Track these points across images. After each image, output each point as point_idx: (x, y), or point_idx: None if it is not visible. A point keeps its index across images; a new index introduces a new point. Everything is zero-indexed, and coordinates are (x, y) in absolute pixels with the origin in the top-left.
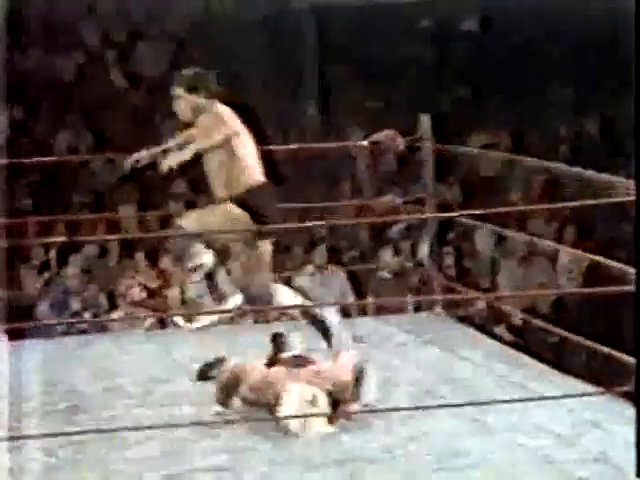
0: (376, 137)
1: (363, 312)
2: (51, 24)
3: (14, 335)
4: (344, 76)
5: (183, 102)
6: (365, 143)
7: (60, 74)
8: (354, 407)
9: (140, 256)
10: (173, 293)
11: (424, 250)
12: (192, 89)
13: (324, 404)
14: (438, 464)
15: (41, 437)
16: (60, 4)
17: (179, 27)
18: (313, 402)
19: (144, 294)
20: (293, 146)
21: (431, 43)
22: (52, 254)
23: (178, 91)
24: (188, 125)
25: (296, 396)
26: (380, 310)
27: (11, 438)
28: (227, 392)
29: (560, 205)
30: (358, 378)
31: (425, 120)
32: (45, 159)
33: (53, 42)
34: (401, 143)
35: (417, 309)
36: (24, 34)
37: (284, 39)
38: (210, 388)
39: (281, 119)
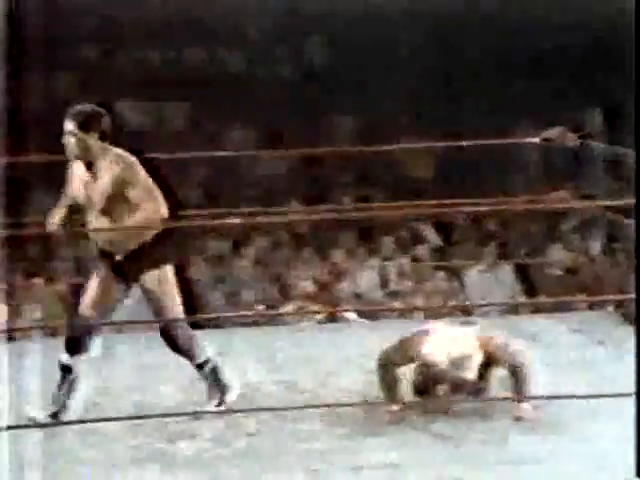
0: (547, 134)
1: (535, 310)
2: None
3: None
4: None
5: (74, 139)
6: (536, 140)
7: (229, 69)
8: (523, 407)
9: (311, 249)
10: (344, 286)
11: (596, 247)
12: (84, 127)
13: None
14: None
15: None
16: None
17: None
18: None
19: (315, 287)
20: (464, 143)
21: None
22: (226, 246)
23: (70, 126)
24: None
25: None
26: (551, 308)
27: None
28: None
29: None
30: (515, 373)
31: (595, 115)
32: (217, 153)
33: (220, 38)
34: (571, 139)
35: (590, 307)
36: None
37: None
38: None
39: (450, 117)
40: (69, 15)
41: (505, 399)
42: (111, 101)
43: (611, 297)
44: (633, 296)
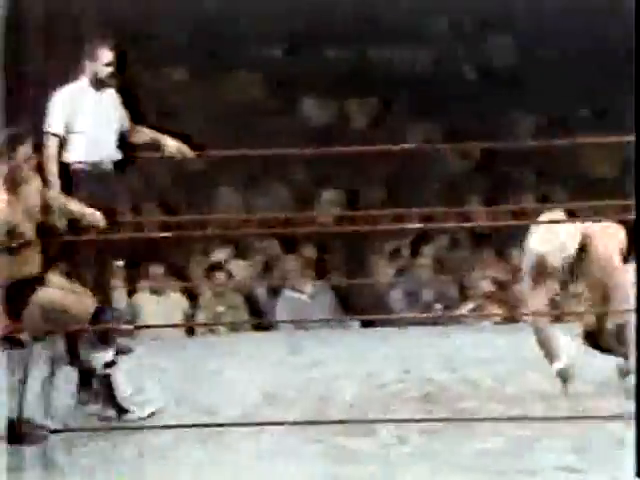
0: None
1: None
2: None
3: (366, 323)
4: None
5: None
6: None
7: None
8: None
9: (490, 249)
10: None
11: None
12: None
13: None
14: None
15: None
16: None
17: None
18: None
19: (494, 287)
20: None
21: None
22: (405, 243)
23: None
24: None
25: None
26: None
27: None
28: None
29: None
30: None
31: None
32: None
33: (402, 36)
34: None
35: None
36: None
37: None
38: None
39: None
40: (252, 14)
41: None
42: (296, 99)
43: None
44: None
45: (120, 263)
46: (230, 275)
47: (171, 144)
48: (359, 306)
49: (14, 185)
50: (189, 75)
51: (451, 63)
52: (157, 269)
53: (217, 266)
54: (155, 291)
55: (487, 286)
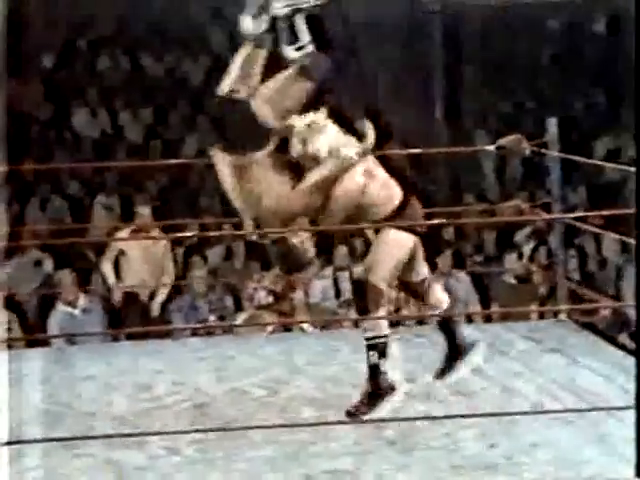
0: (502, 142)
1: (487, 318)
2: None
3: (142, 335)
4: (471, 78)
5: None
6: (491, 148)
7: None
8: None
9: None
10: (299, 297)
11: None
12: None
13: None
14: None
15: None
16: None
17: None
18: None
19: (270, 298)
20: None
21: (560, 44)
22: (179, 255)
23: None
24: None
25: None
26: (505, 316)
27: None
28: None
29: None
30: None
31: (552, 124)
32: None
33: (183, 46)
34: (527, 148)
35: (542, 316)
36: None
37: (411, 40)
38: (333, 391)
39: (406, 122)
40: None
41: None
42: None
43: (610, 305)
44: (632, 304)
45: None
46: None
47: None
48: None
49: None
50: None
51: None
52: None
53: None
54: None
55: (263, 297)
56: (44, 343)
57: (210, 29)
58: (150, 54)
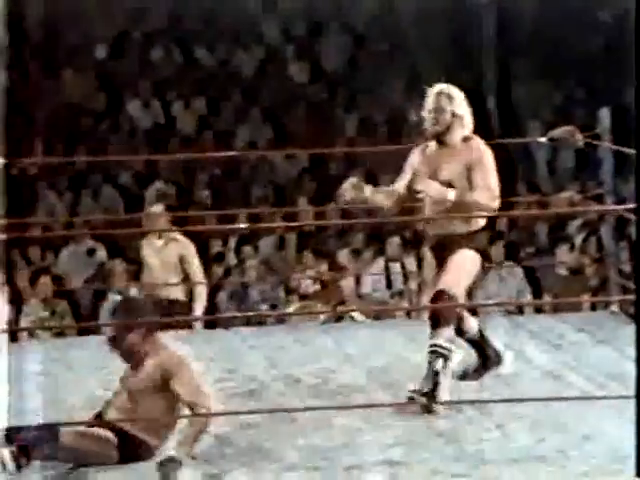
0: (555, 133)
1: (539, 309)
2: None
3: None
4: (523, 69)
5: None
6: (543, 139)
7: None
8: None
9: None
10: (348, 285)
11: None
12: None
13: None
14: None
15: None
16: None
17: (358, 21)
18: None
19: (317, 286)
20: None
21: (613, 35)
22: (230, 245)
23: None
24: None
25: None
26: (556, 308)
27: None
28: None
29: None
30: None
31: (605, 115)
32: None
33: (235, 38)
34: (579, 139)
35: (594, 307)
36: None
37: (464, 33)
38: (383, 379)
39: None
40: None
41: None
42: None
43: (615, 298)
44: (633, 297)
45: None
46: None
47: None
48: None
49: None
50: None
51: (280, 65)
52: None
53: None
54: None
55: (310, 286)
56: (96, 331)
57: (262, 21)
58: (203, 46)
